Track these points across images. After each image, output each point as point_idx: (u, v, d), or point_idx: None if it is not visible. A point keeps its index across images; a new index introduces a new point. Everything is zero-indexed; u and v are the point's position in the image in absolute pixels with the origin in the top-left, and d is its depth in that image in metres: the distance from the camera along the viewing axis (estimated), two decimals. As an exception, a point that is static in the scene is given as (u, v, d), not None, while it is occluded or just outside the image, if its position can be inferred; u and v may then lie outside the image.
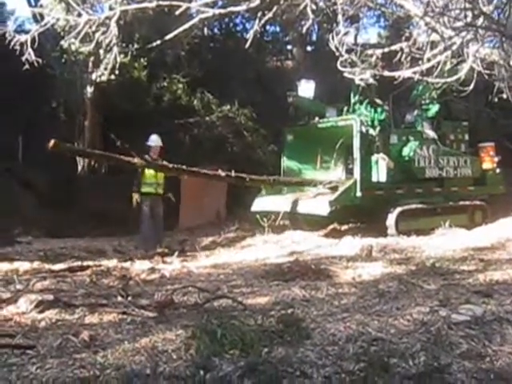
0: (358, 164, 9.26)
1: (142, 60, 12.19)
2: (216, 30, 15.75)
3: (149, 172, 8.80)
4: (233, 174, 8.69)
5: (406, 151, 9.84)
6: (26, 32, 7.25)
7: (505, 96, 6.61)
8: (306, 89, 10.23)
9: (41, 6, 9.79)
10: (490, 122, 13.58)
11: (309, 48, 17.17)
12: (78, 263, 6.89)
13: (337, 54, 5.98)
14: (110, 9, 6.99)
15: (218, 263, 7.07)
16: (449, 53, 5.56)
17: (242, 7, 6.83)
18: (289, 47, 17.46)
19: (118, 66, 9.07)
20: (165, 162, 8.43)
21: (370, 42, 15.97)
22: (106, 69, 11.40)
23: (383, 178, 9.28)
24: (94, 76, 12.03)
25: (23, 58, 6.68)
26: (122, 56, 9.81)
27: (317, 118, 10.23)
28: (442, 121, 10.59)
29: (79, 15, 6.90)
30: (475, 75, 5.89)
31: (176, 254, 7.92)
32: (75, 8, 7.04)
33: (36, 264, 6.92)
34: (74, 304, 4.42)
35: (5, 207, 10.40)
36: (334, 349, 3.26)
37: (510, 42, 5.46)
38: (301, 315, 4.00)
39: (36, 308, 4.21)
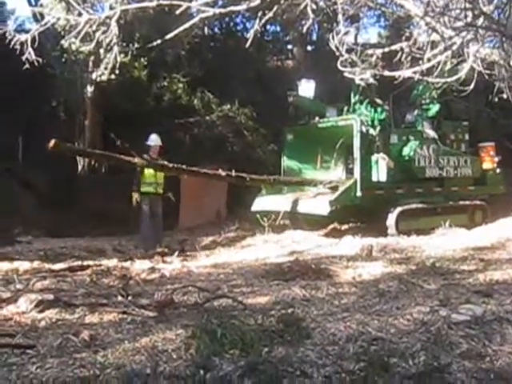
0: (358, 164, 9.26)
1: (142, 59, 12.18)
2: (216, 30, 15.76)
3: (148, 171, 8.79)
4: (233, 173, 8.68)
5: (406, 151, 9.84)
6: (27, 31, 7.25)
7: (505, 96, 6.61)
8: (307, 88, 10.23)
9: (41, 5, 9.80)
10: (490, 121, 13.59)
11: (309, 48, 17.18)
12: (78, 263, 6.89)
13: (337, 53, 5.97)
14: (111, 8, 6.98)
15: (218, 263, 7.07)
16: (449, 53, 5.55)
17: (243, 7, 6.82)
18: (289, 47, 17.45)
19: (118, 65, 9.05)
20: (165, 162, 8.43)
21: (371, 41, 15.96)
22: (106, 68, 11.39)
23: (383, 177, 9.29)
24: (94, 75, 12.02)
25: (23, 58, 6.67)
26: (122, 55, 9.80)
27: (317, 118, 10.24)
28: (443, 120, 10.59)
29: (79, 14, 6.90)
30: (475, 75, 5.88)
31: (176, 253, 7.93)
32: (75, 7, 7.04)
33: (36, 263, 6.92)
34: (74, 303, 4.43)
35: (5, 207, 10.39)
36: (334, 348, 3.26)
37: (511, 42, 5.45)
38: (301, 315, 4.01)
39: (36, 307, 4.21)
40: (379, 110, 9.79)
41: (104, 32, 7.25)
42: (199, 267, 6.64)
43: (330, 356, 3.14)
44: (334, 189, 9.38)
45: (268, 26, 15.32)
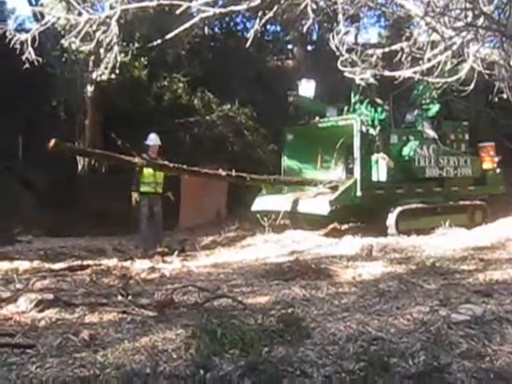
0: (358, 163, 9.26)
1: (142, 59, 12.18)
2: (217, 30, 15.76)
3: (147, 171, 8.77)
4: (233, 173, 8.68)
5: (406, 151, 9.85)
6: (27, 31, 7.24)
7: (505, 96, 6.60)
8: (307, 88, 10.23)
9: (41, 4, 9.78)
10: (490, 121, 13.58)
11: (309, 47, 17.18)
12: (78, 262, 6.90)
13: (337, 53, 5.97)
14: (111, 8, 6.97)
15: (218, 263, 7.07)
16: (449, 53, 5.55)
17: (243, 6, 6.81)
18: (289, 47, 17.45)
19: (118, 65, 9.03)
20: (165, 162, 8.43)
21: (371, 41, 15.95)
22: (106, 68, 11.39)
23: (383, 177, 9.29)
24: (94, 75, 12.03)
25: (23, 57, 6.66)
26: (122, 55, 9.80)
27: (317, 118, 10.24)
28: (443, 120, 10.59)
29: (80, 14, 6.89)
30: (475, 75, 5.88)
31: (176, 253, 7.93)
32: (76, 7, 7.03)
33: (36, 263, 6.93)
34: (74, 303, 4.43)
35: (5, 206, 10.39)
36: (334, 348, 3.26)
37: (511, 42, 5.45)
38: (301, 314, 4.01)
39: (36, 307, 4.21)
40: (379, 109, 9.80)
41: (104, 32, 7.24)
42: (199, 267, 6.64)
43: (330, 356, 3.14)
44: (334, 189, 9.38)
45: (268, 26, 15.34)
